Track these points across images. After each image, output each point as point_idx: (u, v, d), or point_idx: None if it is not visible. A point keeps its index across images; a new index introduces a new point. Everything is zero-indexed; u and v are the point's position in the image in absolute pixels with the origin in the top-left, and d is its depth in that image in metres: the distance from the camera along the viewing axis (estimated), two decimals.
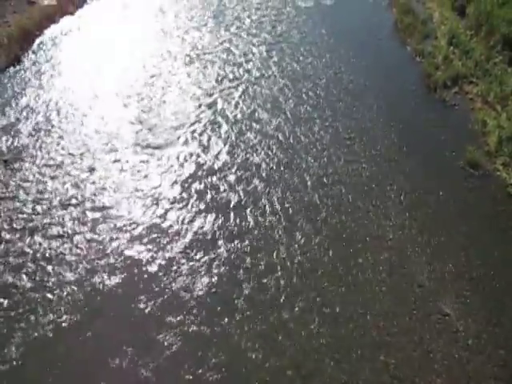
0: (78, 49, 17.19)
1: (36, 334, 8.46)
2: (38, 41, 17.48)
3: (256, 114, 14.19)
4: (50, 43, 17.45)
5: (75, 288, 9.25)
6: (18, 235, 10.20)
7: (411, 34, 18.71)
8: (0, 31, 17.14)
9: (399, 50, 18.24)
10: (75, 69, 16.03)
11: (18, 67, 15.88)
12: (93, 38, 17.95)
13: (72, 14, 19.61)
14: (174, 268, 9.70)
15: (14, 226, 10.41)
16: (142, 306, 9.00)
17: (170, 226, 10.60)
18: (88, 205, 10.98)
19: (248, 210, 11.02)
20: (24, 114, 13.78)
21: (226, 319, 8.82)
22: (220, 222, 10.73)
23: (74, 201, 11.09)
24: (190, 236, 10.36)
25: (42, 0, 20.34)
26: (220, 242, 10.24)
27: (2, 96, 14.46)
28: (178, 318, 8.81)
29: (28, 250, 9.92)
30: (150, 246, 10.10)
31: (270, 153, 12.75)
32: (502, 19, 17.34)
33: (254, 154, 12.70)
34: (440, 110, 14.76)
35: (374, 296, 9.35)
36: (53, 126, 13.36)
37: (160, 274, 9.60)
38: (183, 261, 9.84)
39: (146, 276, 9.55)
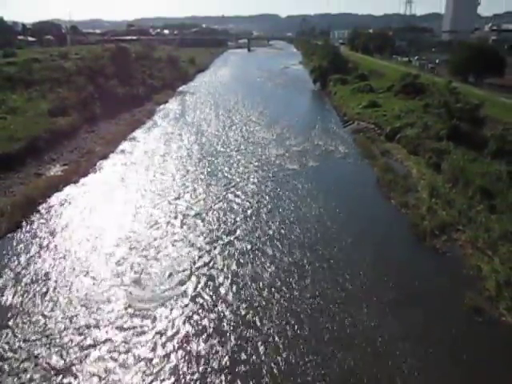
0: (78, 215, 17.90)
1: None
2: (40, 208, 18.25)
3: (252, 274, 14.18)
4: (51, 210, 18.21)
5: None
6: None
7: (394, 189, 19.99)
8: (4, 200, 18.03)
9: (384, 204, 19.21)
10: (73, 234, 16.38)
11: (18, 234, 16.22)
12: (93, 204, 18.88)
13: (76, 182, 20.99)
14: None
15: None
16: None
17: None
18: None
19: None
20: (16, 279, 13.52)
21: None
22: None
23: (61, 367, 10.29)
24: None
25: (48, 171, 21.99)
26: None
27: None
28: None
29: None
30: None
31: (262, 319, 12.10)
32: (476, 173, 18.81)
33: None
34: (433, 257, 14.90)
35: None
36: (46, 291, 12.96)
37: None
38: None
39: None
